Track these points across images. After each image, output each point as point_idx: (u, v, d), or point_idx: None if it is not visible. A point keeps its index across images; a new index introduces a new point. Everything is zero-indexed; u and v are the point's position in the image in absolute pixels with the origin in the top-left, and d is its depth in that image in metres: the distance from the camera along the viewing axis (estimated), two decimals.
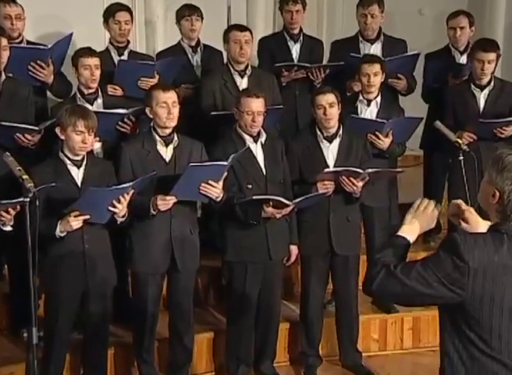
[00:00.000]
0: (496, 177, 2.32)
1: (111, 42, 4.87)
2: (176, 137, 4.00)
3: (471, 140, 4.74)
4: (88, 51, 4.24)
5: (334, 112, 4.26)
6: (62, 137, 3.75)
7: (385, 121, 4.57)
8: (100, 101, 4.32)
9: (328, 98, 4.24)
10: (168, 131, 3.98)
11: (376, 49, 5.23)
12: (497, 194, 2.32)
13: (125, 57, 4.83)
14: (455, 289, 2.26)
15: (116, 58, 4.78)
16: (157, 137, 3.98)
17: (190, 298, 4.14)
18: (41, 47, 4.47)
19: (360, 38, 5.26)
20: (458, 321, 2.31)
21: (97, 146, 4.16)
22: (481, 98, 4.89)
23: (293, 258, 4.38)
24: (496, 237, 2.29)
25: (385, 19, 5.26)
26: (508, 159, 2.32)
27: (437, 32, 5.69)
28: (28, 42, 4.67)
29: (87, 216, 3.63)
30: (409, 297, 2.31)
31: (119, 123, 4.22)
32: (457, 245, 2.26)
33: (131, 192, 3.70)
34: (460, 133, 4.72)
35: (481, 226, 2.48)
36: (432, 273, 2.27)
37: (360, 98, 4.75)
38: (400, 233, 2.42)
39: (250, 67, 4.78)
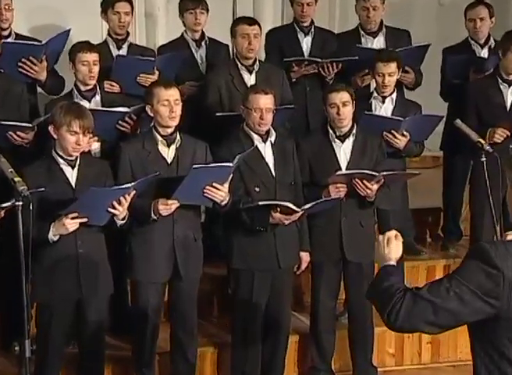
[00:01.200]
0: None
1: (109, 34, 4.86)
2: (178, 137, 3.99)
3: (505, 136, 4.68)
4: (87, 46, 4.24)
5: (348, 111, 4.25)
6: (55, 136, 3.73)
7: (402, 119, 4.56)
8: (98, 98, 4.32)
9: (342, 96, 4.23)
10: (170, 130, 3.97)
11: (379, 42, 5.23)
12: None
13: (124, 50, 4.83)
14: (489, 300, 2.20)
15: (115, 52, 4.77)
16: (158, 136, 3.97)
17: (193, 309, 4.13)
18: (35, 43, 4.48)
19: (362, 32, 5.25)
20: (491, 337, 2.24)
21: (96, 146, 4.16)
22: (510, 94, 4.84)
23: (303, 266, 4.36)
24: None
25: (386, 10, 5.25)
26: None
27: (456, 24, 5.66)
28: (16, 35, 4.68)
29: (85, 219, 3.62)
30: (444, 319, 2.21)
31: (119, 122, 4.22)
32: (487, 252, 2.21)
33: (132, 193, 3.69)
34: (492, 130, 4.69)
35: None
36: (462, 286, 2.20)
37: (375, 94, 4.75)
38: (384, 264, 2.39)
39: (258, 62, 4.79)
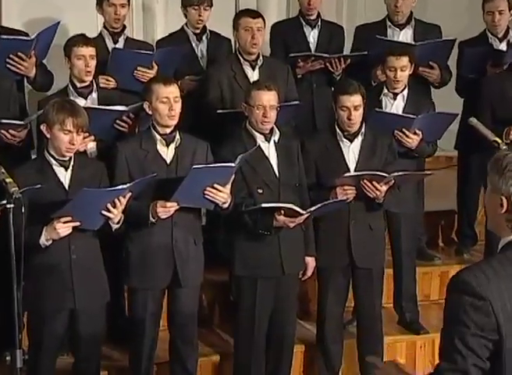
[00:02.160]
0: (499, 181, 2.21)
1: (105, 27, 4.85)
2: (178, 136, 3.98)
3: None
4: (82, 40, 4.23)
5: (359, 115, 4.25)
6: (48, 136, 3.72)
7: (414, 116, 4.54)
8: (95, 95, 4.30)
9: (354, 100, 4.21)
10: (169, 129, 3.96)
11: (406, 35, 5.19)
12: (504, 200, 2.21)
13: (120, 44, 4.81)
14: (487, 335, 2.12)
15: (111, 46, 4.75)
16: (157, 135, 3.96)
17: (193, 317, 4.13)
18: (24, 38, 4.47)
19: (389, 23, 5.22)
20: None
21: (92, 146, 4.14)
22: None
23: (309, 272, 4.35)
24: (503, 259, 2.16)
25: (416, 1, 5.22)
26: (507, 158, 2.21)
27: (472, 17, 5.64)
28: (4, 28, 4.66)
29: (78, 223, 3.61)
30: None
31: (117, 121, 4.20)
32: (468, 283, 2.13)
33: (128, 195, 3.67)
34: (508, 128, 4.67)
35: None
36: (460, 336, 2.13)
37: (385, 91, 4.73)
38: None
39: (261, 57, 4.77)
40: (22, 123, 4.08)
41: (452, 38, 5.07)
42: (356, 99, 4.22)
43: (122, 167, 3.94)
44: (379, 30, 5.13)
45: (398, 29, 5.20)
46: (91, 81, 4.27)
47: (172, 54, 4.73)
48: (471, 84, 5.11)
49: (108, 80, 4.52)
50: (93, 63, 4.21)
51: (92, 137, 4.03)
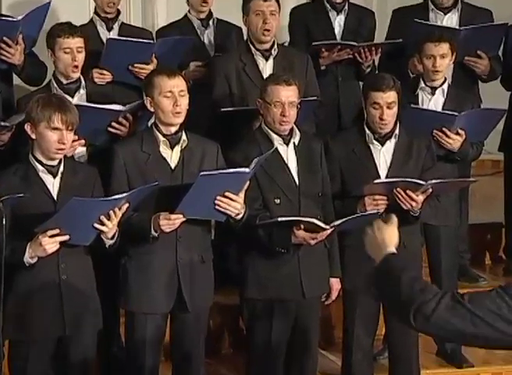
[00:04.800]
0: None
1: (96, 13, 4.88)
2: (184, 136, 4.00)
3: None
4: (68, 29, 4.24)
5: (393, 114, 4.26)
6: (33, 136, 3.73)
7: (456, 114, 4.54)
8: (83, 91, 4.32)
9: (388, 97, 4.22)
10: (173, 129, 3.98)
11: (451, 20, 5.22)
12: None
13: (115, 31, 4.85)
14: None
15: (104, 33, 4.79)
16: (159, 136, 3.98)
17: (200, 346, 4.13)
18: (8, 19, 4.49)
19: (432, 6, 5.24)
20: None
21: (80, 150, 4.16)
22: None
23: (334, 296, 4.37)
24: None
25: None
26: None
27: None
28: None
29: (66, 237, 3.61)
30: (475, 336, 2.30)
31: (112, 123, 4.21)
32: None
33: (125, 206, 3.68)
34: None
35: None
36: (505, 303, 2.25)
37: (422, 84, 4.74)
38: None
39: (276, 46, 4.77)
40: (7, 124, 4.09)
41: (504, 22, 5.07)
42: (390, 96, 4.21)
43: (120, 173, 3.95)
44: (420, 14, 5.13)
45: (442, 13, 5.22)
46: (79, 76, 4.29)
47: (175, 45, 4.73)
48: None
49: (103, 74, 4.54)
50: (81, 56, 4.23)
51: (82, 142, 4.05)
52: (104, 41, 4.66)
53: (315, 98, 4.65)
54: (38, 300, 3.73)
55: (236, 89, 4.68)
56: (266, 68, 4.71)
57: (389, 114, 4.23)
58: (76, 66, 4.22)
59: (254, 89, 4.34)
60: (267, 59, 4.74)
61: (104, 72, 4.56)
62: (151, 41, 4.71)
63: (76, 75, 4.26)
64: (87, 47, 4.27)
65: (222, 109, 4.54)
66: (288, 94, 4.09)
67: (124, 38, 4.70)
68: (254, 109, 4.28)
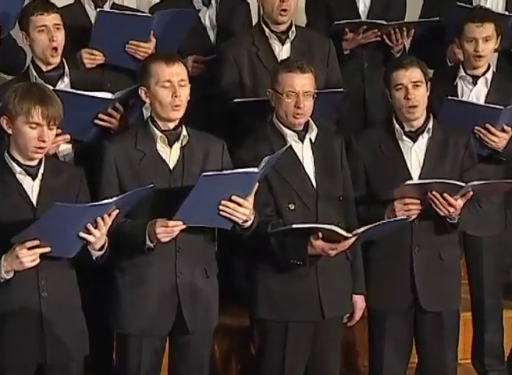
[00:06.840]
0: None
1: None
2: (184, 132, 4.01)
3: None
4: (42, 5, 4.28)
5: (420, 96, 4.26)
6: (10, 132, 3.72)
7: (501, 107, 4.53)
8: (67, 80, 4.34)
9: (411, 75, 4.24)
10: (172, 124, 3.99)
11: (497, 0, 5.22)
12: None
13: None
14: None
15: (93, 14, 4.76)
16: (156, 131, 4.00)
17: (203, 372, 4.15)
18: None
19: None
20: None
21: (66, 148, 4.17)
22: None
23: (357, 316, 4.38)
24: None
25: None
26: None
27: None
28: None
29: (47, 249, 3.60)
30: None
31: (100, 115, 4.21)
32: None
33: (114, 212, 3.66)
34: None
35: None
36: None
37: (462, 72, 4.76)
38: None
39: (294, 28, 4.81)
40: None
41: None
42: (413, 73, 4.24)
43: (110, 173, 3.96)
44: None
45: None
46: (61, 61, 4.29)
47: (174, 21, 4.71)
48: None
49: (94, 55, 4.54)
50: (59, 36, 4.24)
51: (67, 136, 4.04)
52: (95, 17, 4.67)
53: (341, 89, 4.66)
54: (15, 321, 3.70)
55: (248, 78, 4.73)
56: (282, 53, 4.77)
57: (415, 94, 4.24)
58: (55, 49, 4.24)
59: (269, 78, 4.35)
60: (283, 43, 4.80)
61: (95, 52, 4.56)
62: (149, 15, 4.73)
63: (57, 60, 4.28)
64: (65, 26, 4.28)
65: (235, 100, 4.56)
66: (303, 82, 4.11)
67: (117, 11, 4.72)
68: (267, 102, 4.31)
